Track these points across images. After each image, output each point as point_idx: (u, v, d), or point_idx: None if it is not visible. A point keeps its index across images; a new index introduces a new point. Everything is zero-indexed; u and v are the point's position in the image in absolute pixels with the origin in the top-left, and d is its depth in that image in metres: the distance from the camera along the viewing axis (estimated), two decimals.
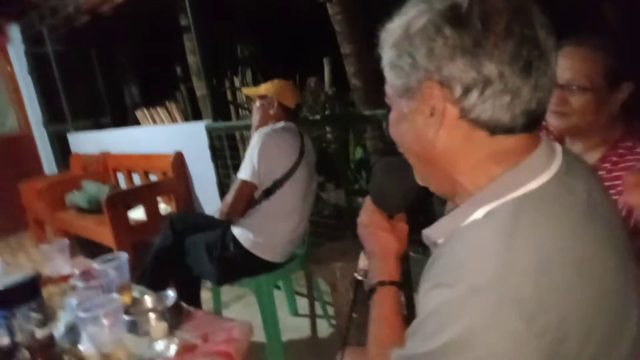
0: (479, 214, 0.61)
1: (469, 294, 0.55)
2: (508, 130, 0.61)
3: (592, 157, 1.18)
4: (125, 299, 1.45)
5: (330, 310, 2.49)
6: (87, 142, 4.90)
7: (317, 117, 3.37)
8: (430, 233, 0.69)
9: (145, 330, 1.27)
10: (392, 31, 0.64)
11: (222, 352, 1.17)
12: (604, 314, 0.59)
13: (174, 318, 1.31)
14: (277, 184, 2.12)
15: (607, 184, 1.11)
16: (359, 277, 0.95)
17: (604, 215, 0.65)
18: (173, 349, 1.18)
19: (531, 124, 0.61)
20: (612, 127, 1.17)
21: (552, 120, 1.20)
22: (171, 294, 1.40)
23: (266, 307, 2.18)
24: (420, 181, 0.74)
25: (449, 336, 0.55)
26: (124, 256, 1.50)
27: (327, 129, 3.46)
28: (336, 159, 3.33)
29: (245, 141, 3.51)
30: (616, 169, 1.12)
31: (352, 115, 3.38)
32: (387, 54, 0.66)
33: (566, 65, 1.14)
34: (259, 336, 2.12)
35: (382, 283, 0.86)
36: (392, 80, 0.66)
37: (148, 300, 1.44)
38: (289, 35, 5.12)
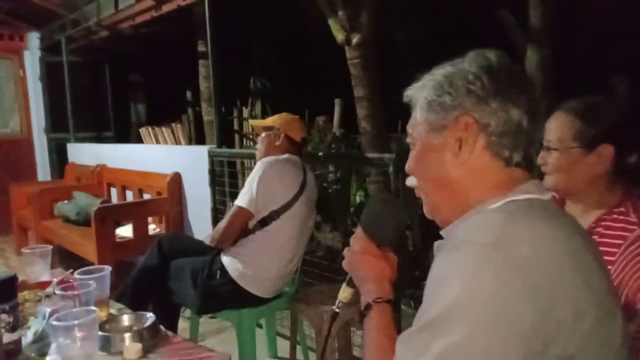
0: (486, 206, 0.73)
1: (472, 251, 0.65)
2: (518, 163, 0.75)
3: (588, 221, 1.19)
4: (102, 314, 1.37)
5: (312, 358, 2.36)
6: (85, 154, 4.85)
7: (322, 153, 3.35)
8: (440, 241, 0.79)
9: (118, 349, 1.18)
10: (433, 76, 0.78)
11: None
12: (595, 302, 0.66)
13: (150, 340, 1.23)
14: (274, 215, 2.07)
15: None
16: (337, 310, 0.97)
17: (593, 246, 0.75)
18: None
19: (529, 162, 0.77)
20: (607, 191, 1.18)
21: (544, 181, 1.27)
22: (151, 314, 1.32)
23: (245, 344, 2.08)
24: (428, 212, 0.82)
25: (457, 291, 0.63)
26: (107, 269, 1.43)
27: (331, 168, 3.44)
28: (336, 201, 3.29)
29: (246, 172, 3.48)
30: (607, 235, 1.12)
31: (358, 157, 3.36)
32: (425, 94, 0.78)
33: (548, 128, 1.23)
34: None
35: (378, 300, 0.86)
36: (427, 117, 0.78)
37: (125, 319, 1.36)
38: (302, 72, 5.21)
